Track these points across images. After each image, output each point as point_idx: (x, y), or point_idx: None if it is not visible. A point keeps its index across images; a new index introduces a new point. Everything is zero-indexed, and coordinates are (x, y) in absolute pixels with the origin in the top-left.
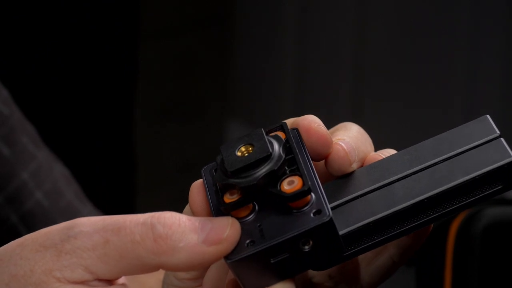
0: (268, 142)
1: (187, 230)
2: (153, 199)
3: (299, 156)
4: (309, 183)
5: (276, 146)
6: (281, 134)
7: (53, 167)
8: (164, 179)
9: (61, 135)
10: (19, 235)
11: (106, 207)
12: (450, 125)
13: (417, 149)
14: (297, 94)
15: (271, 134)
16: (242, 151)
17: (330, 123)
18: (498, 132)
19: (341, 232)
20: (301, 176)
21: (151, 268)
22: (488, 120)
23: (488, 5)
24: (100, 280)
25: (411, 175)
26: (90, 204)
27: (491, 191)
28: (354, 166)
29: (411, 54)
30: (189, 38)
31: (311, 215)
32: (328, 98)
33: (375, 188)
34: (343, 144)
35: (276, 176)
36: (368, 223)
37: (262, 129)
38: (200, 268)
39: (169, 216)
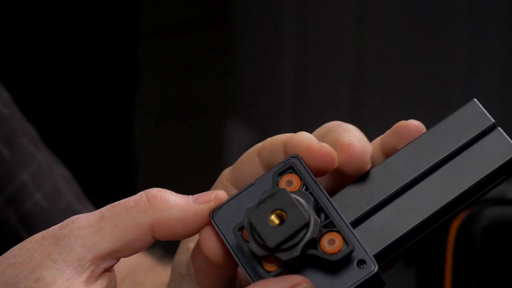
0: (300, 207)
1: (179, 195)
2: None
3: (326, 205)
4: (352, 241)
5: (305, 205)
6: (294, 177)
7: (53, 168)
8: (164, 179)
9: (61, 135)
10: (18, 236)
11: None
12: None
13: (416, 147)
14: (297, 94)
15: (282, 179)
16: (273, 220)
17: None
18: (493, 120)
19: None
20: (338, 232)
21: (146, 228)
22: (478, 105)
23: (488, 5)
24: (98, 258)
25: (419, 181)
26: (90, 205)
27: (499, 180)
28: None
29: (411, 54)
30: (189, 38)
31: (355, 265)
32: (328, 97)
33: (387, 199)
34: (356, 145)
35: (316, 239)
36: (392, 242)
37: (287, 190)
38: (192, 228)
39: (161, 188)
